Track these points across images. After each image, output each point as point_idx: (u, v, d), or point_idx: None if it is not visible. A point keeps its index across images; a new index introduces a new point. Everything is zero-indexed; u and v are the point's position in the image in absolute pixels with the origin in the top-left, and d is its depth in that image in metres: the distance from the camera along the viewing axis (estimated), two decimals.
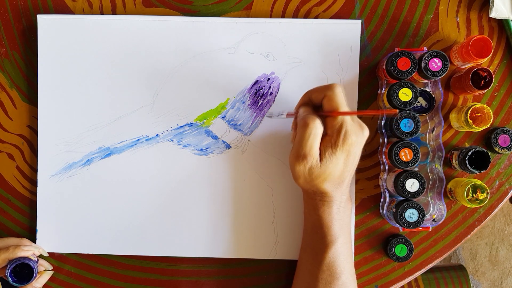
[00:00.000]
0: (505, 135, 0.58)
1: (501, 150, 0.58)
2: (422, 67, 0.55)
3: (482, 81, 0.57)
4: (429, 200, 0.59)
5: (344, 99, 0.50)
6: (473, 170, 0.56)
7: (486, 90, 0.57)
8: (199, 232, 0.60)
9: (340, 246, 0.52)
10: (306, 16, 0.60)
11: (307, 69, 0.59)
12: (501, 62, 0.60)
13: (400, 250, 0.58)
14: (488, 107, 0.56)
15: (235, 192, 0.60)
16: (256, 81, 0.60)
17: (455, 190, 0.58)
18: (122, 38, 0.60)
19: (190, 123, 0.60)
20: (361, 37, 0.60)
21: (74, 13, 0.61)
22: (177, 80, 0.60)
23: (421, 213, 0.55)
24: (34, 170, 0.61)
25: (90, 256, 0.61)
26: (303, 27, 0.59)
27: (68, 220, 0.61)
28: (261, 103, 0.60)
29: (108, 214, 0.61)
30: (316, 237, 0.53)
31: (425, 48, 0.57)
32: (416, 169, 0.58)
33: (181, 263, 0.61)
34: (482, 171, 0.57)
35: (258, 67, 0.60)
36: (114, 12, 0.61)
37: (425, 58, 0.54)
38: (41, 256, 0.61)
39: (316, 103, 0.52)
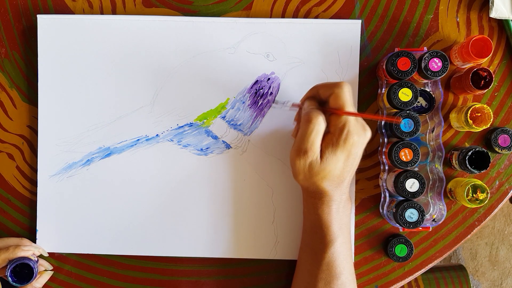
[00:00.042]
0: (505, 135, 0.58)
1: (501, 150, 0.58)
2: (422, 67, 0.55)
3: (482, 81, 0.57)
4: (429, 200, 0.59)
5: (351, 99, 0.50)
6: (473, 170, 0.56)
7: (486, 90, 0.57)
8: (199, 232, 0.60)
9: (340, 245, 0.52)
10: (306, 16, 0.60)
11: (307, 69, 0.59)
12: (501, 62, 0.60)
13: (400, 250, 0.58)
14: (488, 107, 0.56)
15: (235, 192, 0.60)
16: (256, 81, 0.60)
17: (455, 190, 0.58)
18: (122, 38, 0.60)
19: (190, 123, 0.60)
20: (361, 37, 0.60)
21: (74, 13, 0.61)
22: (177, 80, 0.60)
23: (421, 213, 0.55)
24: (34, 170, 0.61)
25: (90, 256, 0.61)
26: (303, 27, 0.59)
27: (68, 220, 0.61)
28: (261, 103, 0.60)
29: (108, 214, 0.61)
30: (315, 237, 0.53)
31: (425, 48, 0.57)
32: (416, 169, 0.58)
33: (181, 263, 0.61)
34: (482, 171, 0.57)
35: (258, 67, 0.60)
36: (114, 12, 0.61)
37: (425, 58, 0.54)
38: (41, 256, 0.61)
39: (323, 99, 0.52)
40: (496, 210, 0.60)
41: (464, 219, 0.60)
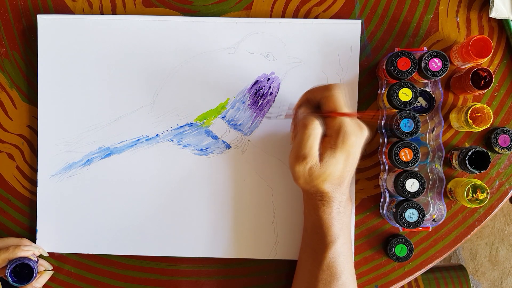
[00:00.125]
0: (505, 135, 0.58)
1: (501, 150, 0.58)
2: (422, 67, 0.55)
3: (482, 81, 0.57)
4: (429, 200, 0.59)
5: (343, 100, 0.50)
6: (473, 170, 0.56)
7: (486, 90, 0.57)
8: (199, 232, 0.60)
9: (340, 246, 0.52)
10: (306, 16, 0.60)
11: (307, 69, 0.59)
12: (501, 62, 0.60)
13: (400, 250, 0.58)
14: (488, 107, 0.56)
15: (235, 192, 0.60)
16: (256, 81, 0.60)
17: (455, 190, 0.58)
18: (122, 38, 0.60)
19: (190, 123, 0.60)
20: (361, 37, 0.60)
21: (74, 13, 0.61)
22: (177, 80, 0.60)
23: (421, 213, 0.55)
24: (34, 170, 0.61)
25: (90, 256, 0.61)
26: (303, 27, 0.59)
27: (68, 220, 0.61)
28: (261, 103, 0.60)
29: (108, 214, 0.61)
30: (316, 237, 0.53)
31: (425, 48, 0.57)
32: (416, 169, 0.58)
33: (181, 263, 0.61)
34: (482, 171, 0.57)
35: (258, 67, 0.60)
36: (114, 12, 0.61)
37: (425, 58, 0.54)
38: (41, 256, 0.61)
39: (315, 103, 0.52)
40: (496, 210, 0.60)
41: (464, 219, 0.60)
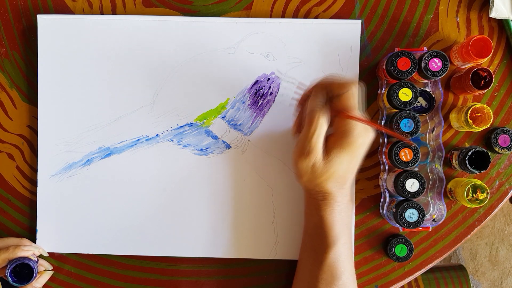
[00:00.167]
0: (505, 135, 0.58)
1: (501, 150, 0.58)
2: (422, 67, 0.55)
3: (482, 81, 0.57)
4: (429, 200, 0.59)
5: (356, 100, 0.50)
6: (473, 170, 0.56)
7: (486, 90, 0.57)
8: (199, 232, 0.60)
9: (341, 246, 0.52)
10: (306, 16, 0.60)
11: (307, 69, 0.59)
12: (501, 62, 0.60)
13: (400, 250, 0.58)
14: (488, 107, 0.56)
15: (235, 192, 0.60)
16: (256, 81, 0.60)
17: (455, 190, 0.58)
18: (122, 38, 0.60)
19: (190, 123, 0.60)
20: (361, 37, 0.60)
21: (74, 13, 0.61)
22: (177, 80, 0.60)
23: (421, 213, 0.55)
24: (34, 170, 0.61)
25: (90, 256, 0.61)
26: (303, 27, 0.59)
27: (68, 220, 0.61)
28: (261, 103, 0.60)
29: (108, 214, 0.61)
30: (317, 238, 0.53)
31: (425, 48, 0.57)
32: (416, 169, 0.58)
33: (181, 263, 0.61)
34: (482, 171, 0.57)
35: (258, 67, 0.60)
36: (114, 12, 0.61)
37: (425, 58, 0.54)
38: (41, 256, 0.61)
39: (331, 94, 0.51)
40: (496, 210, 0.60)
41: (464, 219, 0.60)
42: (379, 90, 0.59)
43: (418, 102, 0.59)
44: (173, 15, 0.60)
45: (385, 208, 0.58)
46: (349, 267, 0.54)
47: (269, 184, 0.60)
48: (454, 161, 0.58)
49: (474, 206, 0.56)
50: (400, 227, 0.59)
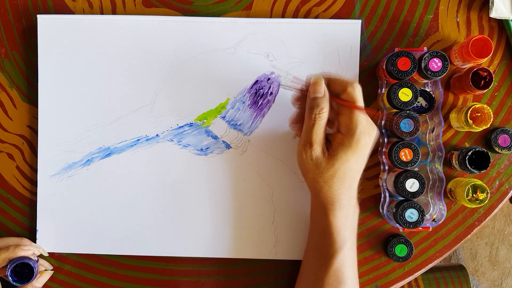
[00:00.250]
0: (505, 135, 0.58)
1: (501, 150, 0.58)
2: (422, 67, 0.55)
3: (482, 81, 0.57)
4: (429, 200, 0.59)
5: (361, 99, 0.50)
6: (473, 170, 0.56)
7: (486, 90, 0.57)
8: (199, 232, 0.60)
9: (348, 251, 0.52)
10: (306, 16, 0.60)
11: (307, 69, 0.59)
12: (501, 62, 0.60)
13: (400, 250, 0.58)
14: (488, 107, 0.56)
15: (235, 192, 0.60)
16: (256, 81, 0.60)
17: (455, 190, 0.58)
18: (122, 38, 0.60)
19: (190, 123, 0.60)
20: (361, 37, 0.60)
21: (74, 13, 0.61)
22: (177, 80, 0.60)
23: (421, 213, 0.55)
24: (34, 170, 0.61)
25: (90, 256, 0.61)
26: (303, 27, 0.59)
27: (68, 220, 0.61)
28: (261, 103, 0.60)
29: (108, 214, 0.61)
30: (324, 242, 0.53)
31: (425, 48, 0.57)
32: (416, 169, 0.58)
33: (181, 263, 0.61)
34: (482, 171, 0.57)
35: (258, 67, 0.60)
36: (114, 12, 0.61)
37: (425, 58, 0.54)
38: (41, 256, 0.61)
39: (332, 92, 0.52)
40: (496, 210, 0.60)
41: (464, 219, 0.60)
42: (379, 90, 0.59)
43: (418, 102, 0.59)
44: (173, 15, 0.60)
45: (385, 208, 0.58)
46: (354, 271, 0.54)
47: (269, 184, 0.60)
48: (454, 161, 0.58)
49: (474, 206, 0.56)
50: (400, 227, 0.59)
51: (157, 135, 0.60)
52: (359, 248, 0.60)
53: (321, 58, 0.59)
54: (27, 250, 0.57)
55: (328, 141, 0.52)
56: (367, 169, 0.60)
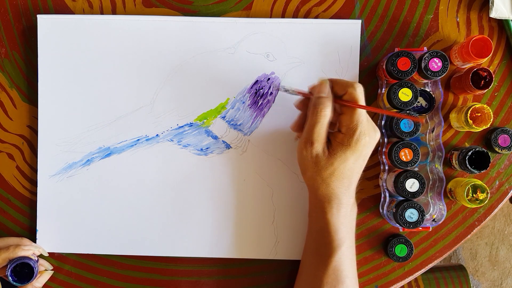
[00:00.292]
0: (505, 135, 0.58)
1: (501, 150, 0.58)
2: (422, 67, 0.55)
3: (482, 81, 0.57)
4: (429, 200, 0.59)
5: (363, 101, 0.51)
6: (473, 170, 0.56)
7: (486, 90, 0.57)
8: (199, 232, 0.60)
9: (346, 249, 0.52)
10: (306, 16, 0.60)
11: (307, 69, 0.59)
12: (501, 62, 0.60)
13: (400, 250, 0.58)
14: (488, 107, 0.56)
15: (235, 192, 0.60)
16: (256, 81, 0.60)
17: (455, 190, 0.58)
18: (122, 38, 0.60)
19: (190, 123, 0.60)
20: (361, 37, 0.60)
21: (74, 13, 0.61)
22: (177, 80, 0.60)
23: (421, 213, 0.55)
24: (34, 170, 0.61)
25: (90, 256, 0.61)
26: (303, 27, 0.59)
27: (68, 220, 0.61)
28: (261, 103, 0.60)
29: (108, 214, 0.61)
30: (322, 241, 0.53)
31: (425, 48, 0.57)
32: (416, 169, 0.58)
33: (181, 263, 0.61)
34: (482, 171, 0.57)
35: (258, 67, 0.60)
36: (114, 12, 0.61)
37: (425, 58, 0.54)
38: (41, 256, 0.61)
39: (335, 94, 0.52)
40: (496, 210, 0.60)
41: (464, 219, 0.60)
42: (379, 90, 0.59)
43: (418, 102, 0.59)
44: (173, 15, 0.60)
45: (385, 208, 0.58)
46: (353, 271, 0.54)
47: (269, 184, 0.60)
48: (454, 161, 0.58)
49: (474, 206, 0.56)
50: (400, 227, 0.59)
51: (157, 135, 0.60)
52: (359, 248, 0.60)
53: (321, 58, 0.59)
54: (27, 250, 0.57)
55: (329, 140, 0.52)
56: (367, 169, 0.60)
